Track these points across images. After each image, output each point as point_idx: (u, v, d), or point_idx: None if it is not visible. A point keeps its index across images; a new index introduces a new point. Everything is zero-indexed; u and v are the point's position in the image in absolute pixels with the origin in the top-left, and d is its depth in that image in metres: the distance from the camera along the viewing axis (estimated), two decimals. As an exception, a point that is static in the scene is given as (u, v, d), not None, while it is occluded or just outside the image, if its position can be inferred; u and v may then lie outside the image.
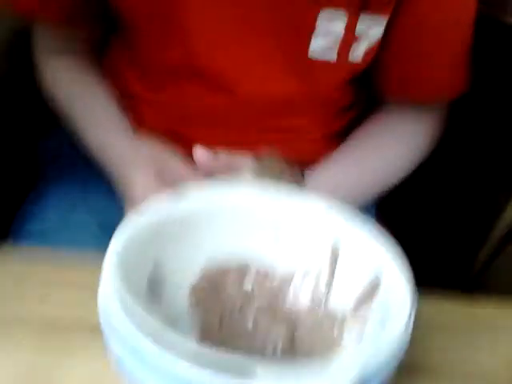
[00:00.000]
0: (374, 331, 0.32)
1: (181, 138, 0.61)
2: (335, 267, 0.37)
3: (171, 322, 0.35)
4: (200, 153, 0.49)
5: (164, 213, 0.36)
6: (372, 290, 0.34)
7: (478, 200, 0.84)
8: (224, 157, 0.51)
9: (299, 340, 0.37)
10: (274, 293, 0.39)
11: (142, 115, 0.63)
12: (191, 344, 0.25)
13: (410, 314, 0.29)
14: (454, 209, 0.86)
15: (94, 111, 0.62)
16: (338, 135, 0.67)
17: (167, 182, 0.50)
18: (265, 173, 0.51)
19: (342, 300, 0.37)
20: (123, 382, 0.30)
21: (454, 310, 0.44)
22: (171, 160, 0.54)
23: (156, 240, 0.35)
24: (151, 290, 0.35)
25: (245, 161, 0.51)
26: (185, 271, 0.37)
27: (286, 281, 0.39)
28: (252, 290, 0.39)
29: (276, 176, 0.51)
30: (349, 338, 0.35)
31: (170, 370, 0.25)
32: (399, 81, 0.62)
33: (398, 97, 0.64)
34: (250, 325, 0.38)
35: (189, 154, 0.52)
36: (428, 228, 0.85)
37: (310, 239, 0.38)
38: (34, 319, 0.40)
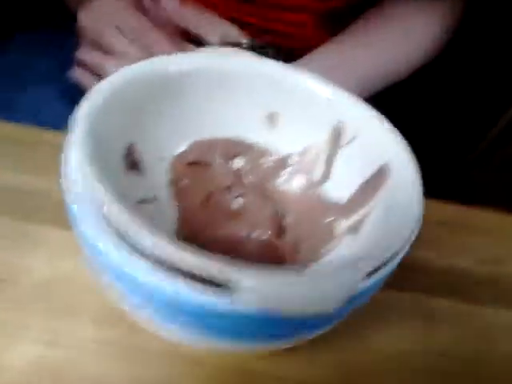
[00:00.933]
0: (377, 225, 0.28)
1: None
2: (335, 150, 0.33)
3: (149, 200, 0.32)
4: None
5: (138, 77, 0.30)
6: (376, 180, 0.30)
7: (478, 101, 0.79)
8: (193, 10, 0.48)
9: (289, 226, 0.34)
10: (265, 174, 0.35)
11: None
12: (163, 244, 0.21)
13: (419, 213, 0.26)
14: (454, 108, 0.82)
15: None
16: (333, 21, 0.59)
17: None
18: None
19: (340, 188, 0.33)
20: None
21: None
22: None
23: (130, 108, 0.30)
24: (127, 164, 0.30)
25: (212, 23, 0.47)
26: (166, 145, 0.33)
27: (280, 163, 0.35)
28: (242, 168, 0.35)
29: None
30: (344, 227, 0.32)
31: (134, 276, 0.22)
32: None
33: None
34: (236, 206, 0.34)
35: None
36: (426, 122, 0.81)
37: (309, 121, 0.34)
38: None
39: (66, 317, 0.30)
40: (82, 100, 0.28)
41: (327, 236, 0.32)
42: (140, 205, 0.31)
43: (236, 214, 0.34)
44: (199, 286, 0.21)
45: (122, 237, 0.22)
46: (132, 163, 0.31)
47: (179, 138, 0.34)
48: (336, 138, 0.33)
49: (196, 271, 0.21)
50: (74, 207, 0.25)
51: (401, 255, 0.24)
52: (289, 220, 0.34)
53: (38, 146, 0.39)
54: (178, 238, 0.31)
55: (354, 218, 0.31)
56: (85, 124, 0.27)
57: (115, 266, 0.23)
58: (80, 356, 0.29)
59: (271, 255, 0.32)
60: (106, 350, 0.29)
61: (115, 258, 0.23)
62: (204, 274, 0.21)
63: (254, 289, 0.21)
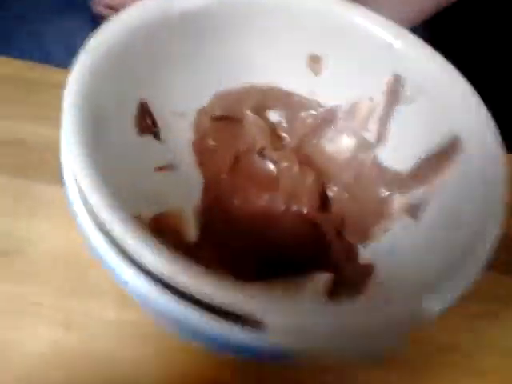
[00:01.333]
0: (445, 215, 0.23)
1: None
2: (393, 108, 0.27)
3: (168, 167, 0.27)
4: None
5: (148, 18, 0.24)
6: (445, 154, 0.24)
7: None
8: None
9: (334, 198, 0.28)
10: (307, 131, 0.29)
11: None
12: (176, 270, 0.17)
13: (503, 207, 0.20)
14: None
15: None
16: None
17: None
18: None
19: (397, 156, 0.27)
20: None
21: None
22: None
23: (140, 57, 0.25)
24: (139, 127, 0.25)
25: None
26: (185, 98, 0.27)
27: (325, 117, 0.29)
28: (279, 124, 0.29)
29: None
30: (401, 205, 0.26)
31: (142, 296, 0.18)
32: None
33: None
34: (271, 172, 0.29)
35: None
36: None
37: (363, 68, 0.27)
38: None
39: (82, 295, 0.26)
40: (81, 49, 0.23)
41: (380, 213, 0.26)
42: (157, 173, 0.26)
43: (270, 182, 0.28)
44: (217, 318, 0.17)
45: (122, 251, 0.17)
46: (145, 125, 0.25)
47: (201, 89, 0.28)
48: (395, 92, 0.27)
49: (217, 303, 0.16)
50: (70, 200, 0.20)
51: (484, 264, 0.19)
52: (334, 190, 0.28)
53: (45, 87, 0.33)
54: (202, 212, 0.27)
55: (414, 196, 0.25)
56: (83, 80, 0.21)
57: (121, 279, 0.19)
58: (98, 340, 0.25)
59: (312, 234, 0.27)
60: (128, 334, 0.25)
61: (121, 274, 0.18)
62: (226, 307, 0.16)
63: (289, 329, 0.16)
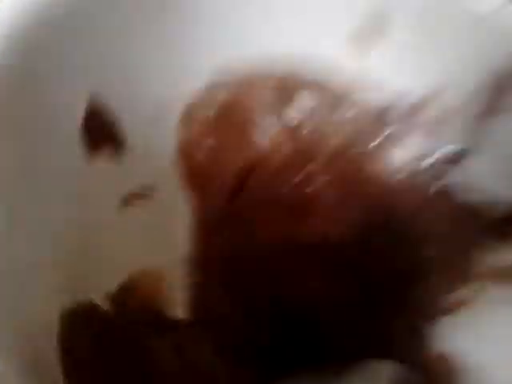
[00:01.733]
0: None
1: None
2: (492, 111, 0.17)
3: (142, 194, 0.18)
4: None
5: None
6: None
7: None
8: None
9: (385, 237, 0.19)
10: (348, 136, 0.20)
11: None
12: None
13: None
14: None
15: None
16: None
17: None
18: None
19: (488, 186, 0.18)
20: None
21: None
22: None
23: (93, 35, 0.15)
24: (89, 144, 0.16)
25: None
26: (165, 88, 0.17)
27: (376, 116, 0.19)
28: (306, 121, 0.20)
29: None
30: (494, 270, 0.17)
31: None
32: None
33: None
34: (292, 195, 0.20)
35: None
36: None
37: (439, 46, 0.17)
38: None
39: None
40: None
41: (456, 273, 0.18)
42: (122, 211, 0.17)
43: (292, 215, 0.19)
44: None
45: None
46: (98, 143, 0.16)
47: (189, 72, 0.18)
48: (496, 89, 0.17)
49: None
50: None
51: None
52: (386, 226, 0.19)
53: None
54: (192, 269, 0.18)
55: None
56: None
57: None
58: None
59: (354, 297, 0.18)
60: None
61: None
62: None
63: None
